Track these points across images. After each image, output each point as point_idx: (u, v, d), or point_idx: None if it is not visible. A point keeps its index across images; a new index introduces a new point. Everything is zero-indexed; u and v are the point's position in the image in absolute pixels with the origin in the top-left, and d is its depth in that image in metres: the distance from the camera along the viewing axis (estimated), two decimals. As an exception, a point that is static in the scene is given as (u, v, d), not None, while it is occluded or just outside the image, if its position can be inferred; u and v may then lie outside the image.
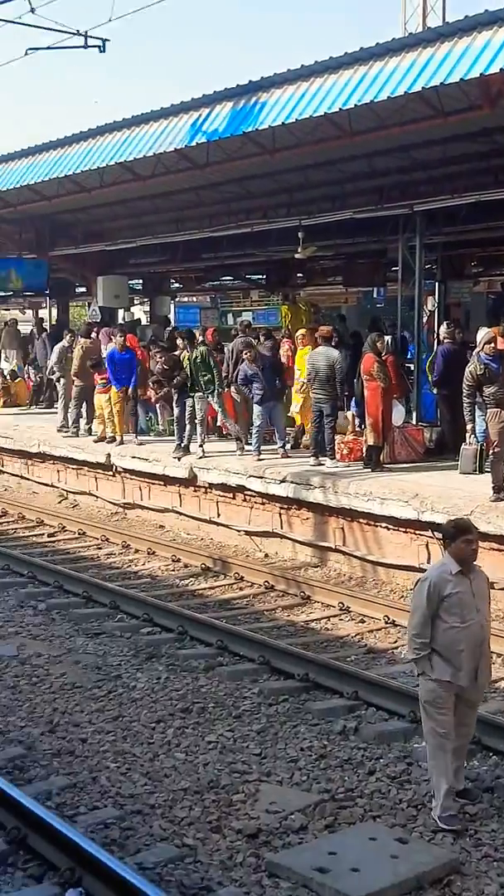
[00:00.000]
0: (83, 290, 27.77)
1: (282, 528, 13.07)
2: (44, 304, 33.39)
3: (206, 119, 13.87)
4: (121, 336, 16.44)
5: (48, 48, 12.97)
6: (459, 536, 5.89)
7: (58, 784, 6.31)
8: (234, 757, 6.78)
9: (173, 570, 12.24)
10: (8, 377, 24.03)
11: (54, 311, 29.96)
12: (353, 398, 14.62)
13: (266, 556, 12.93)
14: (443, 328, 14.94)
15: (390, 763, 6.66)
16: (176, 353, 15.44)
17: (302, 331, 16.30)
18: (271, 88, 12.97)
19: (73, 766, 6.63)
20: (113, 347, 16.45)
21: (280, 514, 13.09)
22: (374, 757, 6.77)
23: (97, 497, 16.17)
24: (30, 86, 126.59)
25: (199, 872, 5.29)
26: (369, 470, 12.93)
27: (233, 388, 15.06)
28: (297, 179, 17.19)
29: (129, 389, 16.26)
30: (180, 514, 14.59)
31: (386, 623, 9.87)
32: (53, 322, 27.09)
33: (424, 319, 17.39)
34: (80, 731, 7.21)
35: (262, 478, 13.15)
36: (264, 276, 26.55)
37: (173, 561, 12.48)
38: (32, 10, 11.55)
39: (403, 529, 11.42)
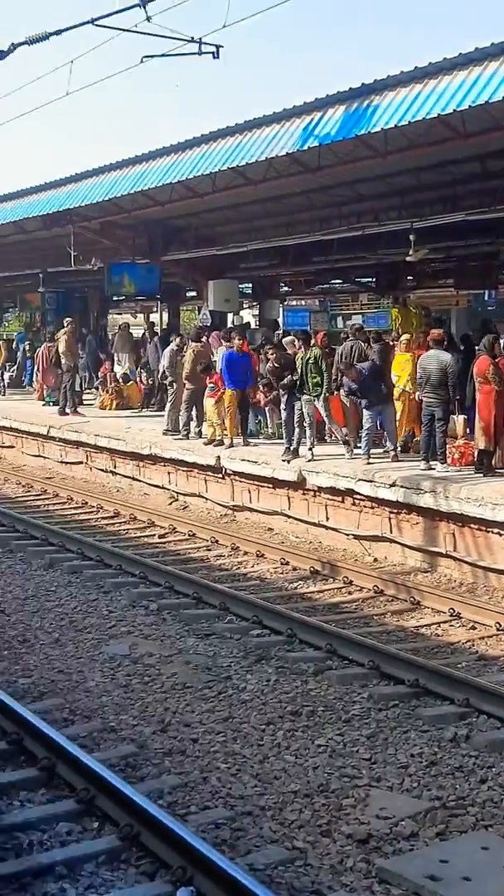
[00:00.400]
0: (193, 294, 28.09)
1: (391, 532, 13.00)
2: (155, 309, 33.86)
3: (319, 123, 13.89)
4: (239, 339, 16.61)
5: (163, 55, 13.10)
6: None
7: (169, 783, 6.38)
8: (343, 761, 6.77)
9: (282, 573, 12.27)
10: (120, 380, 24.40)
11: (165, 315, 30.36)
12: (464, 402, 14.48)
13: (375, 560, 12.87)
14: None
15: (503, 772, 6.57)
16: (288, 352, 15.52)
17: (406, 336, 16.20)
18: (384, 91, 12.92)
19: (185, 766, 6.70)
20: (231, 349, 16.62)
21: (389, 519, 13.02)
22: (485, 765, 6.69)
23: (207, 499, 16.30)
24: (145, 93, 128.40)
25: (310, 876, 5.30)
26: (481, 475, 12.77)
27: (341, 392, 15.05)
28: (409, 182, 17.10)
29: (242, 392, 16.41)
30: (289, 517, 14.62)
31: (497, 630, 9.73)
32: (164, 326, 27.44)
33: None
34: (191, 731, 7.28)
35: (371, 482, 13.09)
36: (374, 279, 26.47)
37: (282, 564, 12.51)
38: (148, 19, 11.69)
39: (516, 535, 11.26)
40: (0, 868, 5.30)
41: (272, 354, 16.35)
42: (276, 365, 15.77)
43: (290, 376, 15.00)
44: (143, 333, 27.52)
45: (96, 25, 12.41)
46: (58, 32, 12.53)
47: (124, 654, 9.02)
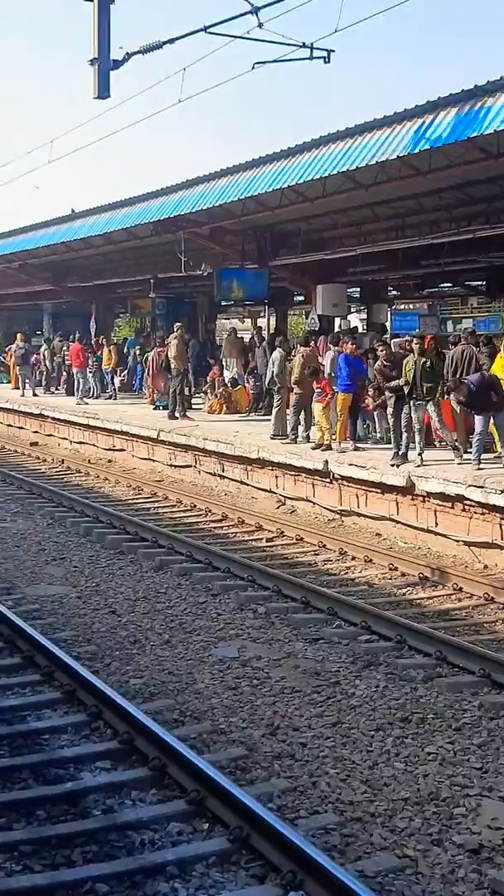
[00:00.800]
0: (301, 298, 28.14)
1: (502, 539, 12.80)
2: (262, 313, 34.04)
3: (430, 125, 13.79)
4: (352, 343, 16.62)
5: (274, 61, 13.17)
6: None
7: (279, 787, 6.39)
8: (454, 770, 6.69)
9: (390, 579, 12.19)
10: (229, 384, 24.56)
11: (273, 320, 30.48)
12: None
13: (485, 567, 12.68)
14: None
15: None
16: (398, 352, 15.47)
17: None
18: (497, 92, 12.76)
19: (294, 770, 6.70)
20: (344, 352, 16.64)
21: (501, 525, 12.82)
22: None
23: (314, 503, 16.30)
24: (255, 98, 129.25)
25: (421, 885, 5.26)
26: None
27: (452, 397, 14.89)
28: (521, 184, 16.85)
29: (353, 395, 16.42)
30: (397, 522, 14.52)
31: None
32: (272, 330, 27.53)
33: None
34: (300, 736, 7.28)
35: (482, 488, 12.92)
36: (484, 283, 26.13)
37: (390, 569, 12.43)
38: (260, 25, 11.76)
39: None
40: (113, 866, 5.39)
41: (382, 352, 16.29)
42: (385, 363, 15.71)
43: (398, 381, 14.91)
44: (251, 338, 27.66)
45: (209, 33, 12.54)
46: (171, 41, 12.70)
47: (233, 657, 9.08)
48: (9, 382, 33.85)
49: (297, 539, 14.17)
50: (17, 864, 5.46)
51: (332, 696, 8.09)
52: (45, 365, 32.31)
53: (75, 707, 7.69)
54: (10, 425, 29.12)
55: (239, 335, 29.41)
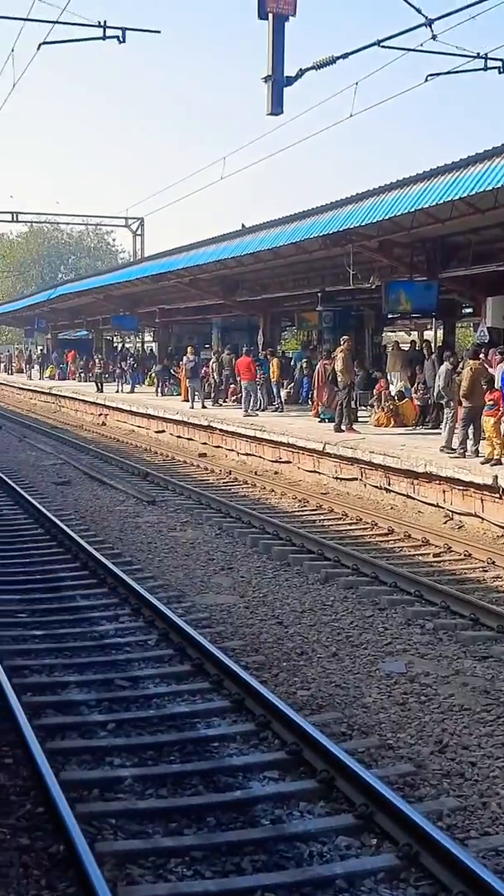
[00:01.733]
0: (469, 310, 27.74)
1: None
2: (429, 326, 33.70)
3: None
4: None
5: (448, 73, 13.08)
6: None
7: (448, 805, 6.31)
8: None
9: None
10: (395, 398, 24.42)
11: (440, 333, 30.13)
12: None
13: None
14: None
15: None
16: None
17: None
18: None
19: (463, 789, 6.61)
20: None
21: None
22: None
23: (483, 519, 16.02)
24: (431, 110, 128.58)
25: None
26: None
27: None
28: None
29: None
30: None
31: None
32: (439, 343, 27.23)
33: None
34: (470, 754, 7.17)
35: None
36: None
37: None
38: (434, 37, 11.70)
39: None
40: (282, 876, 5.44)
41: None
42: None
43: None
44: (418, 351, 27.44)
45: (382, 47, 12.54)
46: (344, 56, 12.78)
47: (401, 672, 9.02)
48: (179, 395, 34.54)
49: (465, 555, 13.96)
50: (188, 869, 5.56)
51: (503, 716, 7.94)
52: (214, 378, 32.86)
53: (244, 716, 7.78)
54: (179, 436, 29.69)
55: (404, 348, 29.23)
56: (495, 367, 18.63)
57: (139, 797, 6.45)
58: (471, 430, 17.73)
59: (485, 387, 17.10)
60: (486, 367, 18.58)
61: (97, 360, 45.68)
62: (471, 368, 17.75)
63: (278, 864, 5.61)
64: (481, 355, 18.88)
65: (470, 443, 17.66)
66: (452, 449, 17.96)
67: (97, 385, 42.64)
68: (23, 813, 6.17)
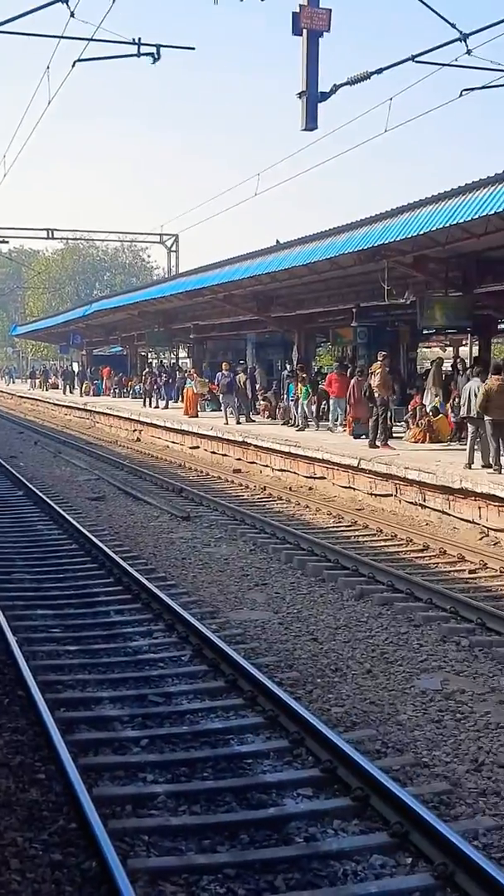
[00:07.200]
0: (506, 326, 27.60)
1: None
2: (464, 342, 33.56)
3: None
4: None
5: (483, 87, 13.05)
6: None
7: (484, 824, 6.24)
8: None
9: None
10: (430, 413, 24.32)
11: (475, 349, 29.97)
12: None
13: None
14: None
15: None
16: None
17: None
18: None
19: (499, 808, 6.52)
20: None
21: None
22: None
23: (519, 536, 15.90)
24: (463, 126, 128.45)
25: None
26: None
27: None
28: None
29: None
30: None
31: None
32: (474, 359, 27.09)
33: None
34: (506, 774, 7.09)
35: None
36: None
37: None
38: (469, 52, 11.69)
39: None
40: (316, 894, 5.39)
41: None
42: None
43: None
44: (454, 366, 27.34)
45: (416, 62, 12.54)
46: (378, 71, 12.78)
47: (436, 689, 8.94)
48: (215, 410, 34.57)
49: (501, 572, 13.83)
50: (220, 887, 5.53)
51: (540, 735, 7.85)
52: (247, 394, 32.83)
53: (277, 733, 7.74)
54: (213, 452, 29.71)
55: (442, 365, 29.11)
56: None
57: (172, 814, 6.42)
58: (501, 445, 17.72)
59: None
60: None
61: (144, 377, 44.97)
62: (490, 384, 17.80)
63: (312, 883, 5.57)
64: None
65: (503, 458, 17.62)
66: (489, 465, 17.92)
67: (145, 401, 42.49)
68: (56, 829, 6.16)
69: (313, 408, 29.35)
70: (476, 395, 18.54)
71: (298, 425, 27.82)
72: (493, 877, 5.22)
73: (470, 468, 18.00)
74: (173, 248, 61.13)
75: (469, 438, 19.14)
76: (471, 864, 5.40)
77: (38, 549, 15.22)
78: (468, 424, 19.36)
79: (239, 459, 27.60)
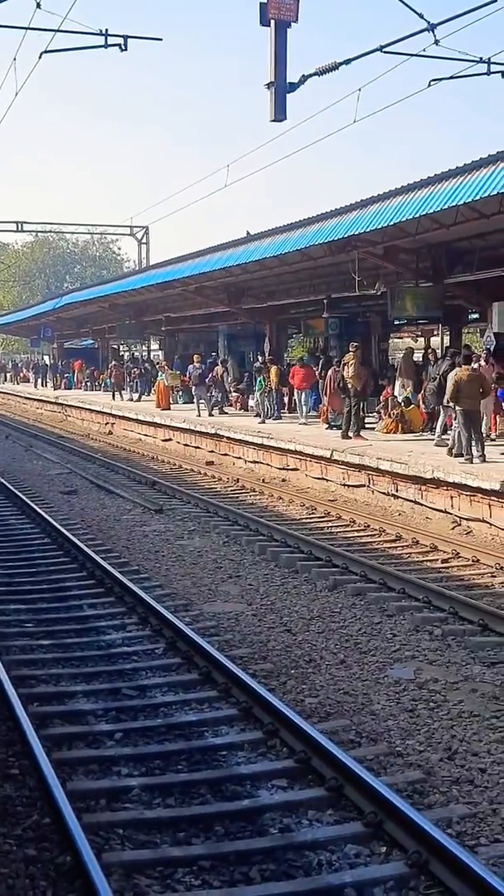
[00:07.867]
0: (476, 316, 27.70)
1: None
2: (435, 332, 33.69)
3: None
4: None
5: (450, 77, 13.08)
6: None
7: (457, 812, 6.27)
8: None
9: None
10: (402, 404, 24.38)
11: (446, 339, 30.09)
12: None
13: None
14: None
15: None
16: None
17: None
18: None
19: (473, 796, 6.56)
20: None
21: None
22: None
23: (491, 524, 15.96)
24: (431, 118, 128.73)
25: None
26: None
27: None
28: None
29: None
30: None
31: None
32: (445, 349, 27.19)
33: None
34: (479, 761, 7.12)
35: None
36: None
37: None
38: (437, 42, 11.71)
39: None
40: (291, 885, 5.40)
41: None
42: None
43: None
44: (425, 357, 27.40)
45: (384, 52, 12.54)
46: (347, 62, 12.77)
47: (409, 679, 8.97)
48: (187, 402, 34.56)
49: (473, 561, 13.89)
50: (196, 879, 5.53)
51: (513, 722, 7.90)
52: (225, 385, 32.83)
53: (251, 724, 7.75)
54: (186, 445, 29.69)
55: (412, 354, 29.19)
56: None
57: (147, 807, 6.42)
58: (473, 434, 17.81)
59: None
60: (482, 373, 18.60)
61: (113, 370, 45.22)
62: (458, 375, 17.91)
63: (287, 873, 5.58)
64: (474, 363, 18.92)
65: (475, 448, 17.65)
66: (460, 454, 17.98)
67: (113, 394, 42.52)
68: (29, 823, 6.14)
69: (285, 399, 29.40)
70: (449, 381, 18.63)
71: (261, 417, 27.82)
72: (467, 864, 5.25)
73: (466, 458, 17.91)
74: (144, 241, 60.92)
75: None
76: (444, 851, 5.42)
77: (10, 544, 15.15)
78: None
79: (212, 452, 27.59)
